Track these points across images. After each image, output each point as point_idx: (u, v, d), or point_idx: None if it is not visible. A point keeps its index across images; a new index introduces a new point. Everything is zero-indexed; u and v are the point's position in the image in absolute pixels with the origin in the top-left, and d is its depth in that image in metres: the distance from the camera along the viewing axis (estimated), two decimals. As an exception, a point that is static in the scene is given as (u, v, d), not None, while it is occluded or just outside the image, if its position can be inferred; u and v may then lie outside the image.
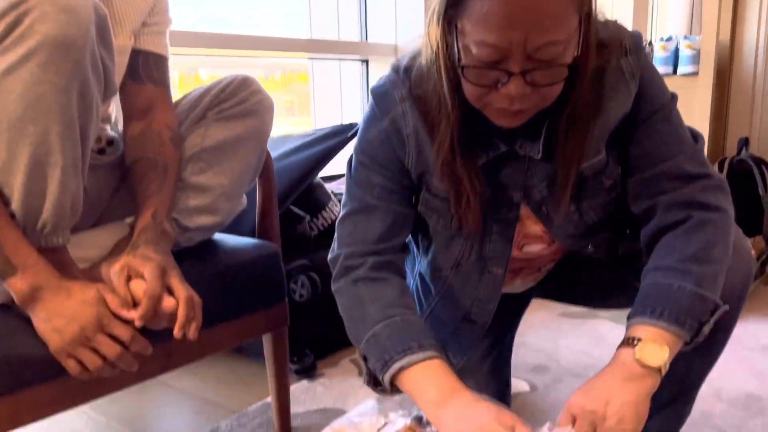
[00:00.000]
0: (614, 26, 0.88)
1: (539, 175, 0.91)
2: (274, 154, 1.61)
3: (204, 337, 1.08)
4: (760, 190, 2.43)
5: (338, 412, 1.44)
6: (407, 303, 0.92)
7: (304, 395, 1.53)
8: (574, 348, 1.78)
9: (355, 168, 0.97)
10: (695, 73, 2.42)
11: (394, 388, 0.87)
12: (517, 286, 1.14)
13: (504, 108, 0.79)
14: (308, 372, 1.61)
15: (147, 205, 1.01)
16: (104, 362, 0.86)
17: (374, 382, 0.91)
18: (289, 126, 2.63)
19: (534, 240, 1.01)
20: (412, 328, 0.86)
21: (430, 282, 1.06)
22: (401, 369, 0.83)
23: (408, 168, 0.93)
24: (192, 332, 0.92)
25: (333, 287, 0.96)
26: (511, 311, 1.23)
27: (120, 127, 1.15)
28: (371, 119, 0.94)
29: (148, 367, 1.03)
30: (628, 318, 0.83)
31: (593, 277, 1.10)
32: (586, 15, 0.77)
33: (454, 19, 0.76)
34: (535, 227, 0.99)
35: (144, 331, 0.89)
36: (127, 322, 0.87)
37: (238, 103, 1.12)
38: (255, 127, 1.14)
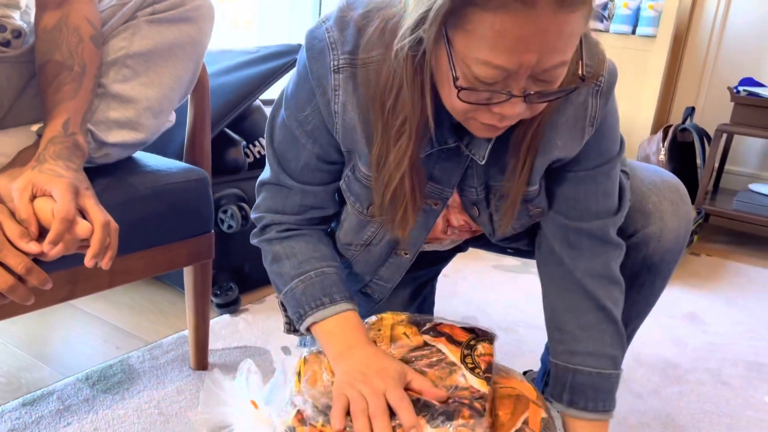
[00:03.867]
0: (600, 54, 0.79)
1: (479, 176, 0.86)
2: (211, 69, 1.48)
3: (116, 265, 0.98)
4: (699, 161, 2.47)
5: (260, 351, 1.38)
6: (323, 253, 0.91)
7: (224, 330, 1.45)
8: (504, 302, 1.77)
9: (281, 130, 0.88)
10: (653, 36, 2.39)
11: (310, 334, 0.89)
12: (445, 244, 1.09)
13: (492, 124, 0.71)
14: (231, 306, 1.52)
15: (58, 112, 0.87)
16: None
17: (293, 329, 0.94)
18: (231, 40, 2.44)
19: (457, 227, 0.99)
20: (325, 282, 0.88)
21: (339, 250, 1.02)
22: (313, 323, 0.86)
23: (338, 141, 0.84)
24: (105, 262, 0.81)
25: (252, 241, 0.96)
26: (432, 262, 1.19)
27: (32, 17, 0.99)
28: (303, 76, 0.82)
29: (48, 294, 0.93)
30: (570, 405, 0.89)
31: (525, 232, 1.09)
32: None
33: (447, 26, 0.65)
34: (459, 217, 0.96)
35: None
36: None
37: (175, 6, 0.99)
38: (191, 36, 1.01)
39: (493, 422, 0.74)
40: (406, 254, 0.96)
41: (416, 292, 1.21)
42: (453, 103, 0.70)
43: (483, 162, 0.81)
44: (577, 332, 0.90)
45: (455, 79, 0.66)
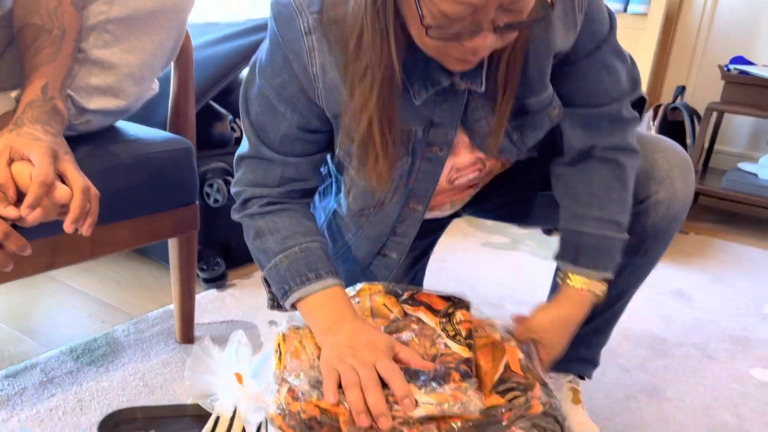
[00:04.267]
0: None
1: (483, 106, 0.84)
2: (196, 42, 1.46)
3: (98, 234, 0.97)
4: (688, 140, 2.47)
5: (246, 325, 1.37)
6: (308, 228, 0.89)
7: (211, 305, 1.45)
8: (492, 279, 1.77)
9: (257, 100, 0.85)
10: (644, 14, 2.37)
11: (295, 310, 0.88)
12: (445, 209, 1.08)
13: (465, 58, 0.71)
14: (218, 281, 1.52)
15: (36, 76, 0.85)
16: None
17: (277, 305, 0.91)
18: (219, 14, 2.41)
19: (466, 170, 0.96)
20: (310, 257, 0.86)
21: (349, 220, 1.00)
22: (299, 299, 0.84)
23: (321, 107, 0.83)
24: (86, 228, 0.80)
25: (233, 216, 0.94)
26: (431, 232, 1.18)
27: (9, -20, 0.97)
28: (276, 44, 0.80)
29: (28, 262, 0.91)
30: (574, 263, 0.90)
31: (520, 196, 1.09)
32: None
33: None
34: (468, 156, 0.93)
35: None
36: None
37: (155, -31, 0.97)
38: (173, 2, 0.99)
39: (477, 372, 0.74)
40: (420, 207, 0.94)
41: (413, 263, 1.20)
42: (423, 41, 0.69)
43: (482, 89, 0.79)
44: (586, 199, 0.91)
45: (422, 17, 0.66)
